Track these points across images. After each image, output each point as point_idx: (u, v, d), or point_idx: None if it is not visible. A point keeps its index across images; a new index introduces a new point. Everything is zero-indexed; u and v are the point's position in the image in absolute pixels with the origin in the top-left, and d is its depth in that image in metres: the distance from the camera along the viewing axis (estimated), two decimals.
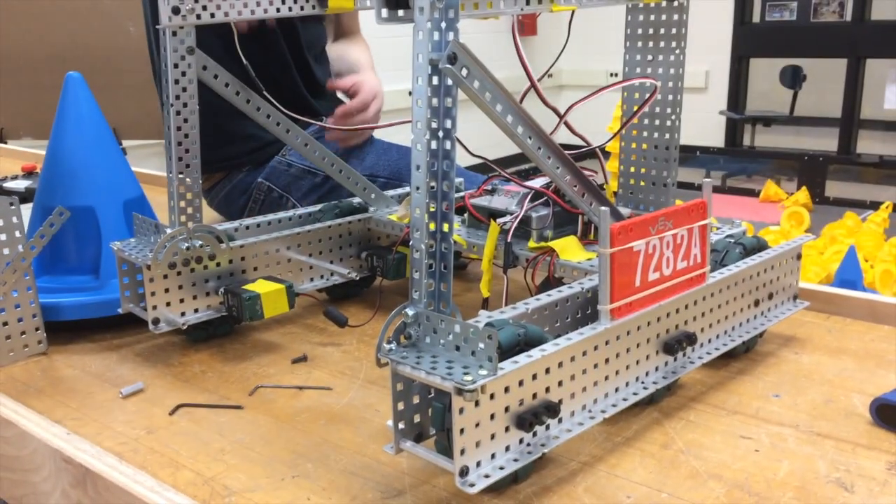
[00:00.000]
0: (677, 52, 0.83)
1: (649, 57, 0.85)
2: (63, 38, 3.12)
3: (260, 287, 0.80)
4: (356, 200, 0.98)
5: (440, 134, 0.53)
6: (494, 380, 0.50)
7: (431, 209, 0.54)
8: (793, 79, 5.68)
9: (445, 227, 0.55)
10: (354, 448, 0.63)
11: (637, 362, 0.63)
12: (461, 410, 0.50)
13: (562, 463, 0.60)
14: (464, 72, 0.52)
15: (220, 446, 0.64)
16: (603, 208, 0.56)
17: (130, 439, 0.65)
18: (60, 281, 0.88)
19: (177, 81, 0.75)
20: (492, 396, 0.52)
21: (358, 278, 0.91)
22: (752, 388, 0.71)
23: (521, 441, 0.55)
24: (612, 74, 5.97)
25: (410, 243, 0.55)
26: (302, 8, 0.78)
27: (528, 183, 0.83)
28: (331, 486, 0.58)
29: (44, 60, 3.05)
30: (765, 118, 5.79)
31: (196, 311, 0.81)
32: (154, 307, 0.78)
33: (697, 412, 0.66)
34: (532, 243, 0.79)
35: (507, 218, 0.81)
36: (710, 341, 0.70)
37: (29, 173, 1.38)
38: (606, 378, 0.60)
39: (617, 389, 0.62)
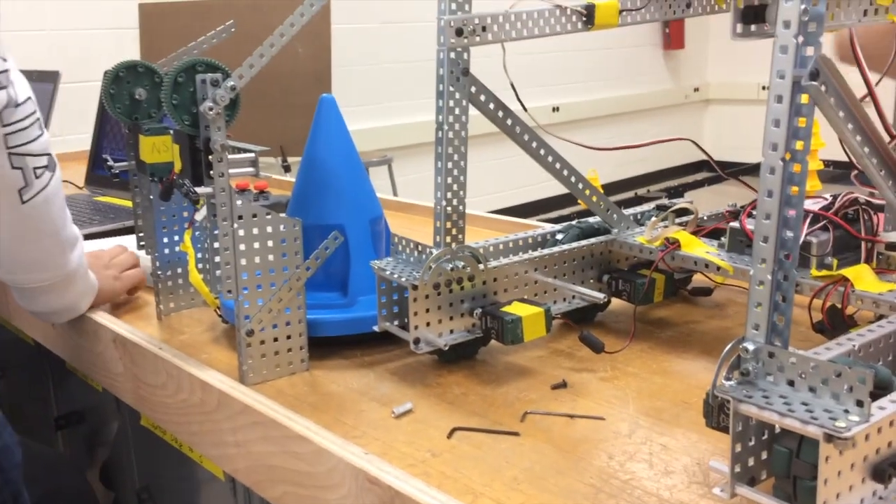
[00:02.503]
0: None
1: None
2: (233, 59, 3.30)
3: (519, 310, 0.79)
4: (594, 220, 0.95)
5: (787, 157, 0.50)
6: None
7: (776, 237, 0.50)
8: None
9: (785, 257, 0.51)
10: (653, 486, 0.60)
11: None
12: (826, 459, 0.46)
13: None
14: (823, 88, 0.49)
15: (511, 475, 0.62)
16: None
17: (418, 461, 0.64)
18: (309, 297, 0.90)
19: (451, 104, 0.75)
20: (854, 444, 0.47)
21: (603, 301, 0.88)
22: None
23: (873, 494, 0.50)
24: (763, 87, 5.71)
25: (752, 273, 0.51)
26: (569, 27, 0.77)
27: (805, 205, 0.77)
28: None
29: None
30: None
31: (451, 332, 0.80)
32: (416, 327, 0.78)
33: None
34: (815, 271, 0.74)
35: None
36: None
37: (242, 191, 1.43)
38: None
39: None
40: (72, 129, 2.48)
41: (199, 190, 0.76)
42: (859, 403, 0.46)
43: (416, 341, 0.78)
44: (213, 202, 0.75)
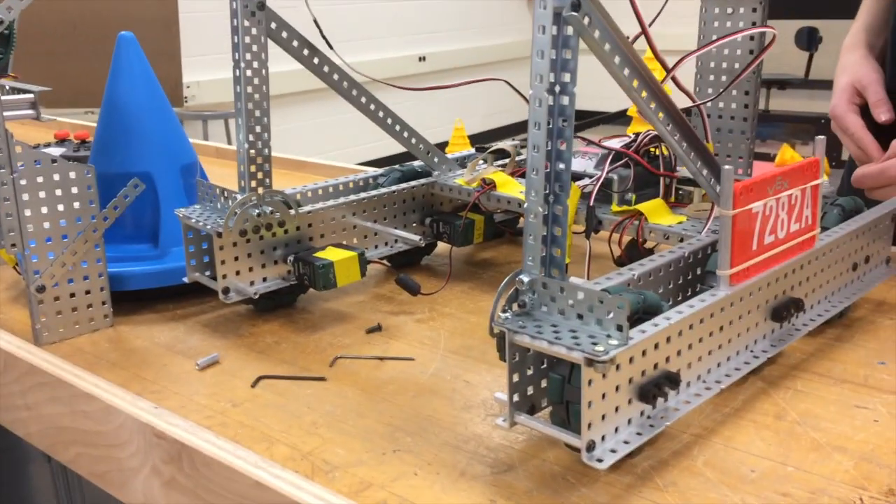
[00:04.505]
0: (760, 5, 0.79)
1: (729, 10, 0.81)
2: (74, 5, 3.06)
3: (331, 255, 0.77)
4: (417, 164, 0.94)
5: (557, 89, 0.50)
6: (624, 350, 0.48)
7: (547, 170, 0.51)
8: (808, 41, 5.58)
9: (559, 189, 0.52)
10: (451, 421, 0.60)
11: (747, 330, 0.60)
12: (590, 382, 0.47)
13: (673, 435, 0.57)
14: (586, 20, 0.49)
15: (311, 419, 0.61)
16: (727, 167, 0.53)
17: (216, 413, 0.62)
18: (118, 249, 0.85)
19: (247, 40, 0.71)
20: (618, 367, 0.49)
21: (424, 245, 0.88)
22: (853, 355, 0.68)
23: (641, 414, 0.52)
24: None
25: (525, 206, 0.52)
26: None
27: (608, 143, 0.79)
28: (436, 460, 0.55)
29: (55, 26, 2.98)
30: (780, 81, 5.70)
31: (265, 279, 0.78)
32: (224, 276, 0.75)
33: (804, 381, 0.64)
34: (615, 206, 0.76)
35: (587, 181, 0.78)
36: (812, 307, 0.67)
37: (62, 140, 1.34)
38: (720, 347, 0.58)
39: (728, 359, 0.59)
40: None
41: None
42: (619, 328, 0.47)
43: (226, 291, 0.75)
44: None
